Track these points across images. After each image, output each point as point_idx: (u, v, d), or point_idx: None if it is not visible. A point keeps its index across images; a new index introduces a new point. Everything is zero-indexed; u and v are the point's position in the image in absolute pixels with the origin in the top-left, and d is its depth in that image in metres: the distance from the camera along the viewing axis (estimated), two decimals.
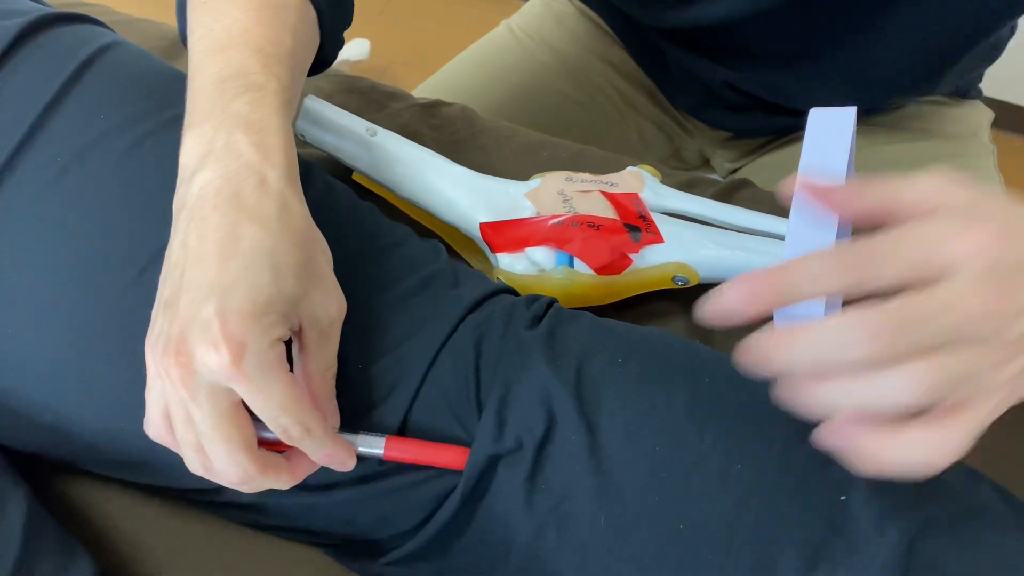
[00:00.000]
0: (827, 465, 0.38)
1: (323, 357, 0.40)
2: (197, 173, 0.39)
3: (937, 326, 0.30)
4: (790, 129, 0.81)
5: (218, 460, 0.38)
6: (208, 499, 0.46)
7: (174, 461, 0.44)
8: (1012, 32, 0.74)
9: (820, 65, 0.69)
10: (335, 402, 0.41)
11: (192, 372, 0.36)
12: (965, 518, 0.37)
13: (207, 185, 0.39)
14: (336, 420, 0.41)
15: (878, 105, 0.75)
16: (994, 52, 0.76)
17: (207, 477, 0.39)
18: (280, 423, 0.38)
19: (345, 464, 0.41)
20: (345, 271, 0.45)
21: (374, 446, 0.42)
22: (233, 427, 0.37)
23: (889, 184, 0.34)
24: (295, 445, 0.39)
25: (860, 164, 0.77)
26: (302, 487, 0.42)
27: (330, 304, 0.40)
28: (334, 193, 0.50)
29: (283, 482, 0.40)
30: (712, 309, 0.33)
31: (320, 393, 0.40)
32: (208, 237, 0.37)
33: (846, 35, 0.66)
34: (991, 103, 0.83)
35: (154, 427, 0.39)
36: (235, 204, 0.38)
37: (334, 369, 0.41)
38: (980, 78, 0.80)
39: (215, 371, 0.36)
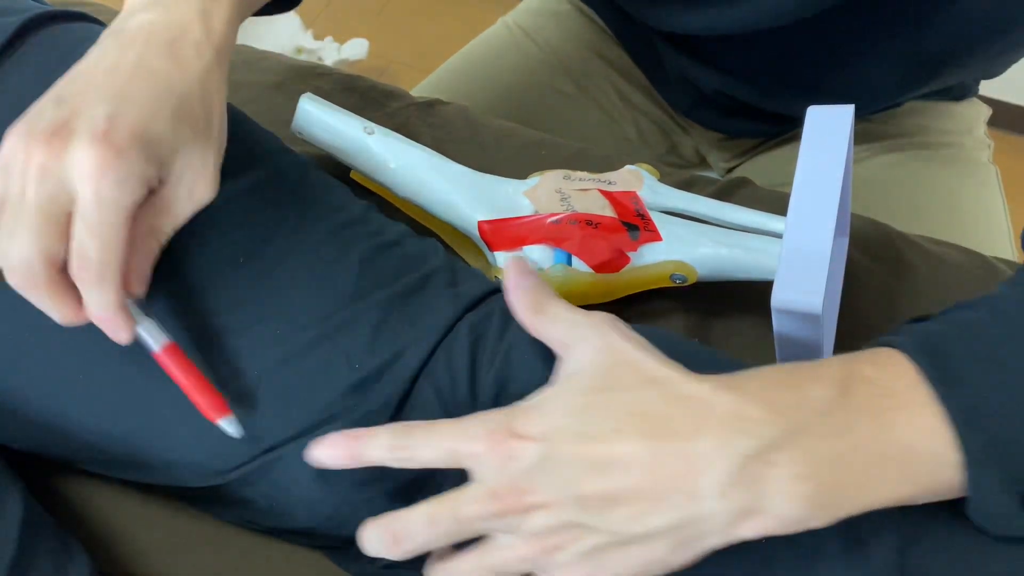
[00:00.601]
0: None
1: (160, 221, 0.39)
2: (139, 13, 0.40)
3: (458, 522, 0.36)
4: (786, 131, 0.81)
5: (17, 249, 0.36)
6: (206, 497, 0.46)
7: (172, 460, 0.44)
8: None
9: (814, 79, 0.69)
10: (148, 273, 0.40)
11: (56, 159, 0.36)
12: (956, 528, 0.38)
13: (147, 24, 0.40)
14: (142, 289, 0.40)
15: (872, 111, 0.76)
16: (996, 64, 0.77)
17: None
18: (85, 250, 0.36)
19: (117, 334, 0.39)
20: (343, 270, 0.45)
21: (155, 339, 0.40)
22: (51, 228, 0.36)
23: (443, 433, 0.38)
24: (76, 283, 0.37)
25: (856, 157, 0.77)
26: (301, 486, 0.42)
27: (201, 182, 0.40)
28: (330, 191, 0.50)
29: (55, 307, 0.38)
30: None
31: (139, 251, 0.39)
32: (127, 58, 0.38)
33: (842, 52, 0.66)
34: (989, 103, 0.83)
35: None
36: (166, 48, 0.39)
37: (162, 241, 0.40)
38: (978, 81, 0.80)
39: (78, 165, 0.35)
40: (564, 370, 0.39)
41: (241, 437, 0.41)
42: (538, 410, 0.37)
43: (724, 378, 0.37)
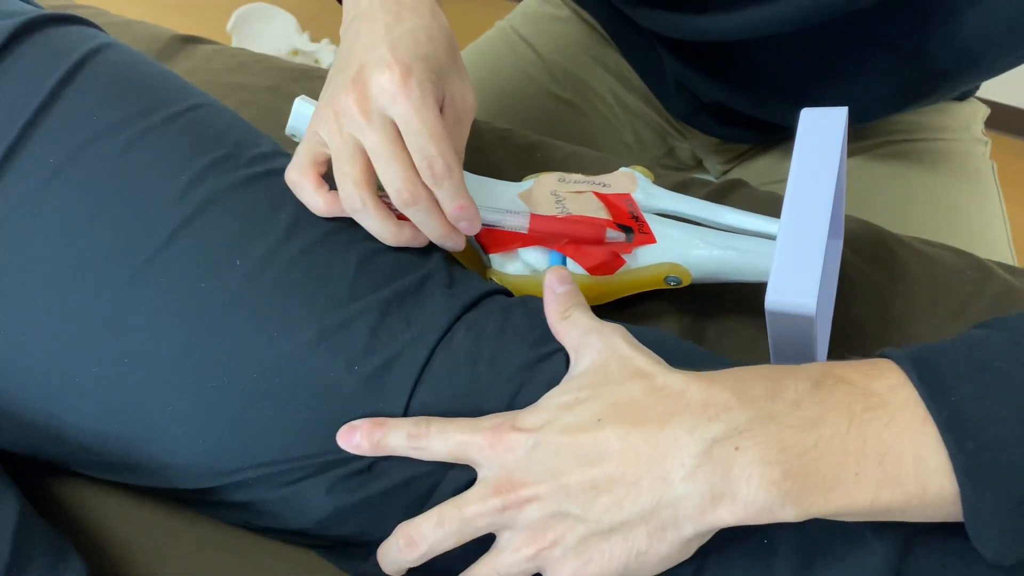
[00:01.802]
0: None
1: (456, 139, 0.47)
2: (362, 1, 0.48)
3: (463, 521, 0.39)
4: (784, 137, 0.81)
5: (391, 178, 0.44)
6: (201, 499, 0.46)
7: (167, 462, 0.44)
8: None
9: (811, 90, 0.69)
10: (463, 186, 0.47)
11: (367, 98, 0.44)
12: (953, 533, 0.38)
13: (376, 2, 0.48)
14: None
15: (869, 121, 0.76)
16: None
17: (356, 213, 0.46)
18: (427, 152, 0.44)
19: (473, 223, 0.47)
20: (340, 272, 0.45)
21: (518, 220, 0.50)
22: (403, 149, 0.44)
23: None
24: (434, 186, 0.45)
25: (849, 155, 0.77)
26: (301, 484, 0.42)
27: (466, 93, 0.48)
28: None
29: (392, 228, 0.46)
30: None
31: None
32: (377, 22, 0.46)
33: (841, 64, 0.66)
34: (988, 104, 0.83)
35: (296, 170, 0.47)
36: (396, 5, 0.47)
37: (462, 155, 0.48)
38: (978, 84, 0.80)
39: (386, 87, 0.44)
40: (570, 372, 0.42)
41: (628, 240, 0.50)
42: (537, 407, 0.40)
43: (704, 373, 0.38)
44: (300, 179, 0.47)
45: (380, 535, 0.44)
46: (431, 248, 0.50)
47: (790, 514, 0.34)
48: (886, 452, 0.34)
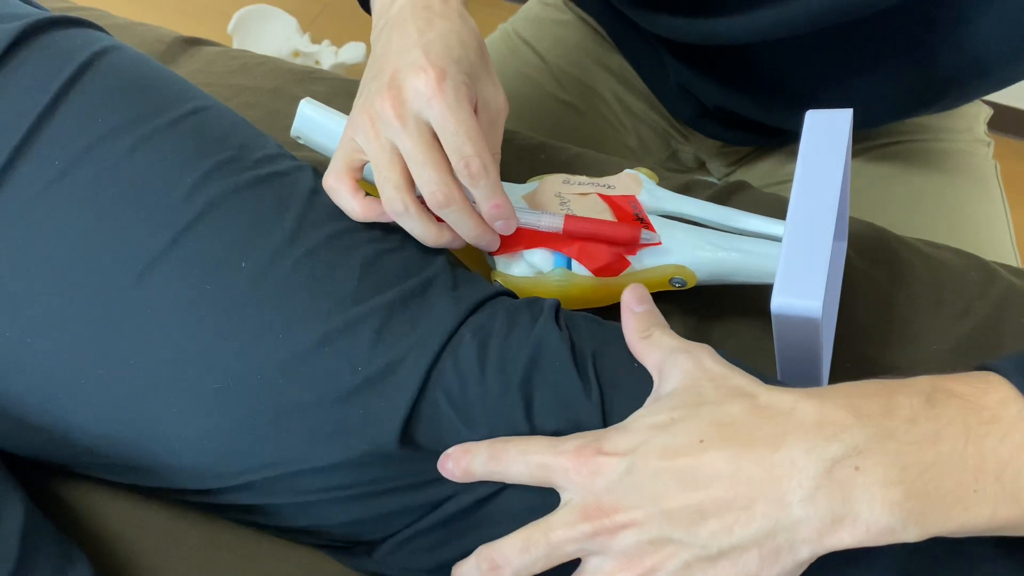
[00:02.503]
0: None
1: (491, 141, 0.47)
2: (395, 2, 0.49)
3: (550, 546, 0.37)
4: (787, 141, 0.81)
5: (426, 181, 0.45)
6: (207, 500, 0.46)
7: (171, 463, 0.44)
8: None
9: (818, 94, 0.69)
10: (500, 185, 0.47)
11: (402, 102, 0.45)
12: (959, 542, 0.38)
13: (404, 7, 0.48)
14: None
15: (874, 126, 0.76)
16: None
17: (399, 216, 0.46)
18: (464, 152, 0.44)
19: (509, 222, 0.48)
20: (344, 274, 0.45)
21: (553, 221, 0.50)
22: (438, 152, 0.45)
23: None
24: (471, 185, 0.45)
25: (853, 157, 0.77)
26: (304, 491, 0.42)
27: (498, 95, 0.49)
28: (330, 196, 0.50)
29: (432, 229, 0.47)
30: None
31: None
32: (408, 28, 0.47)
33: (847, 68, 0.66)
34: (990, 106, 0.83)
35: (333, 176, 0.48)
36: (426, 12, 0.48)
37: (498, 156, 0.48)
38: None
39: (421, 91, 0.44)
40: (655, 393, 0.41)
41: (657, 242, 0.50)
42: (625, 428, 0.38)
43: (811, 390, 0.37)
44: (337, 185, 0.47)
45: (388, 534, 0.44)
46: (435, 251, 0.50)
47: (912, 535, 0.33)
48: (1003, 468, 0.33)
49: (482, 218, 0.48)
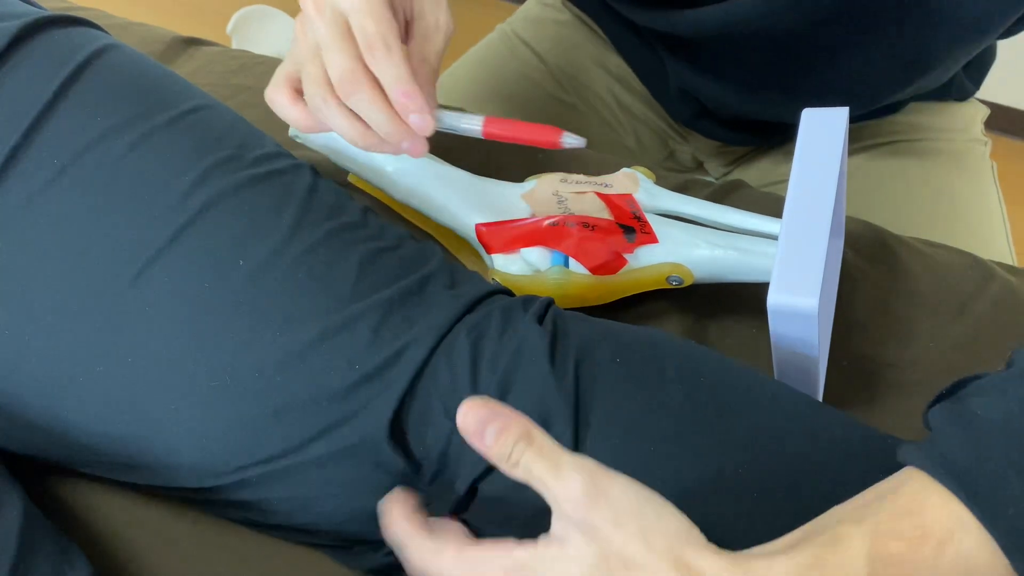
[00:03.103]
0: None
1: (425, 49, 0.48)
2: None
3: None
4: (786, 139, 0.81)
5: (334, 66, 0.44)
6: (206, 498, 0.46)
7: (170, 461, 0.44)
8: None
9: (810, 81, 0.69)
10: (434, 94, 0.47)
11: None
12: None
13: None
14: (434, 104, 0.48)
15: (865, 112, 0.76)
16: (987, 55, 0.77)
17: (319, 111, 0.46)
18: (366, 31, 0.44)
19: (423, 118, 0.46)
20: (342, 272, 0.45)
21: (472, 123, 0.49)
22: (349, 39, 0.44)
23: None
24: (372, 63, 0.44)
25: (850, 155, 0.77)
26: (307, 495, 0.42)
27: (439, 10, 0.48)
28: (328, 195, 0.50)
29: (373, 112, 0.45)
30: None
31: (419, 75, 0.46)
32: None
33: (838, 50, 0.66)
34: (988, 105, 0.83)
35: (271, 88, 0.49)
36: None
37: (434, 66, 0.49)
38: (978, 83, 0.80)
39: None
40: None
41: (584, 145, 0.48)
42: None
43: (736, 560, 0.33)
44: (275, 95, 0.48)
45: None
46: (433, 249, 0.50)
47: None
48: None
49: (395, 111, 0.46)
